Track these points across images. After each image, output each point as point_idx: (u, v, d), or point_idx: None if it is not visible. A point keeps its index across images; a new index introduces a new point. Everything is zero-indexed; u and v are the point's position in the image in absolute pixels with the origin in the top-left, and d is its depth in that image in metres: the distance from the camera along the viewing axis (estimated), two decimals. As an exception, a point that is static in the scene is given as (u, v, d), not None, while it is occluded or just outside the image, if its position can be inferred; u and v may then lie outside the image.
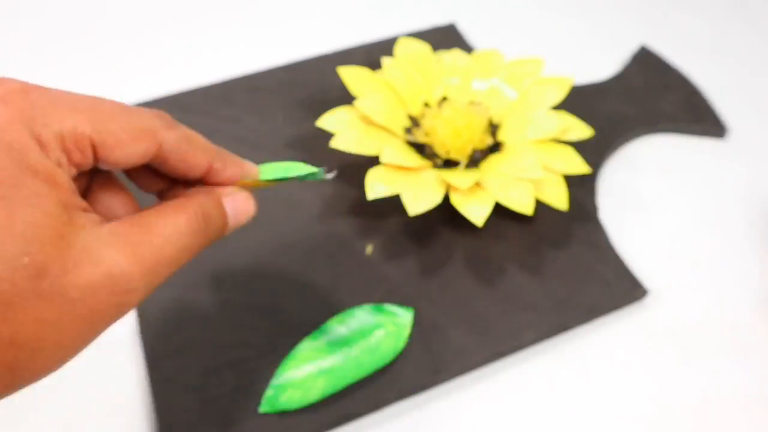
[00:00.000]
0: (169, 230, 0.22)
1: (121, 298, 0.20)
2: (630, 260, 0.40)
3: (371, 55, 0.49)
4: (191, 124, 0.44)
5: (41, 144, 0.20)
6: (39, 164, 0.19)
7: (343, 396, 0.33)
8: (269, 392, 0.32)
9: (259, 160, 0.43)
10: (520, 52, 0.48)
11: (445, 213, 0.40)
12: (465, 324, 0.36)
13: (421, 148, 0.38)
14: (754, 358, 0.36)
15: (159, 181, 0.25)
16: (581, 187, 0.42)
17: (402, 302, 0.36)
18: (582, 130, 0.40)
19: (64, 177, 0.20)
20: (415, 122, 0.40)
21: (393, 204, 0.37)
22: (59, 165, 0.20)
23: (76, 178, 0.23)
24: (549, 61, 0.45)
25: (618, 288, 0.37)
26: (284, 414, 0.32)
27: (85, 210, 0.20)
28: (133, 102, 0.46)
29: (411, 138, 0.39)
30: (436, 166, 0.38)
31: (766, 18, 0.56)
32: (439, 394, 0.34)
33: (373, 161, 0.42)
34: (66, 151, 0.20)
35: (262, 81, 0.47)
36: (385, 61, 0.41)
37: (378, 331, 0.34)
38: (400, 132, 0.39)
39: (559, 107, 0.40)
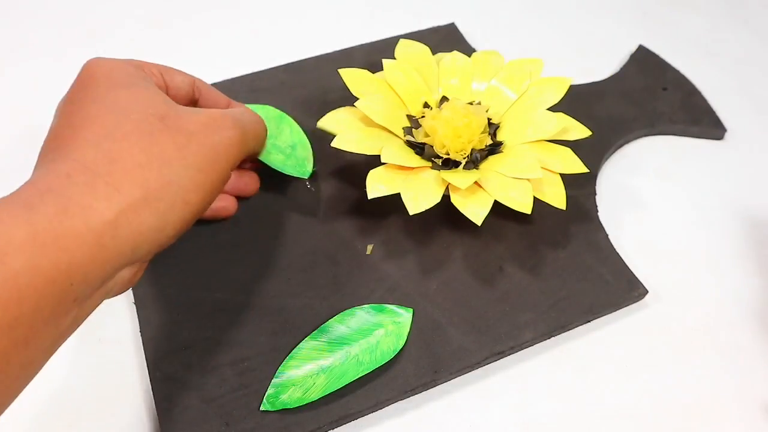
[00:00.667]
0: (242, 107, 0.36)
1: (221, 133, 0.30)
2: (629, 260, 0.40)
3: (371, 56, 0.49)
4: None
5: (144, 70, 0.32)
6: (142, 74, 0.32)
7: (343, 395, 0.33)
8: (270, 391, 0.33)
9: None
10: (520, 52, 0.49)
11: (445, 213, 0.40)
12: (464, 323, 0.36)
13: (420, 149, 0.39)
14: (753, 358, 0.36)
15: None
16: (580, 188, 0.42)
17: (402, 301, 0.37)
18: (581, 131, 0.40)
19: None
20: (415, 123, 0.40)
21: (393, 204, 0.37)
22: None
23: None
24: (548, 62, 0.46)
25: (617, 288, 0.38)
26: (285, 413, 0.32)
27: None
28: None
29: (411, 138, 0.39)
30: (435, 166, 0.38)
31: (765, 19, 0.57)
32: (438, 393, 0.35)
33: (373, 161, 0.42)
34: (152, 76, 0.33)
35: (262, 81, 0.48)
36: (386, 62, 0.41)
37: (378, 330, 0.35)
38: (400, 132, 0.39)
39: (557, 108, 0.40)
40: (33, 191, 0.24)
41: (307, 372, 0.33)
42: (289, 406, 0.32)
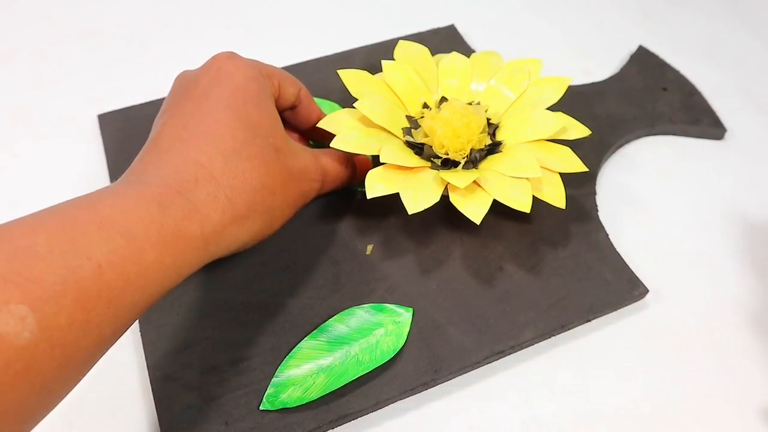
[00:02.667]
0: (332, 155, 0.37)
1: (310, 184, 0.35)
2: (629, 260, 0.40)
3: (371, 58, 0.50)
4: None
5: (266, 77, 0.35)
6: (270, 91, 0.35)
7: (342, 394, 0.33)
8: (270, 390, 0.33)
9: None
10: (519, 53, 0.49)
11: (445, 212, 0.40)
12: (464, 323, 0.36)
13: (420, 149, 0.39)
14: (753, 358, 0.36)
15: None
16: (580, 187, 0.42)
17: (402, 301, 0.37)
18: (580, 130, 0.40)
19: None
20: (414, 123, 0.40)
21: (392, 204, 0.37)
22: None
23: None
24: (547, 62, 0.46)
25: (617, 287, 0.38)
26: (285, 412, 0.32)
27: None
28: (134, 103, 0.46)
29: (410, 138, 0.39)
30: (434, 166, 0.38)
31: (765, 19, 0.57)
32: (438, 393, 0.35)
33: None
34: (275, 90, 0.36)
35: (262, 83, 0.48)
36: (385, 63, 0.41)
37: (378, 329, 0.35)
38: (400, 132, 0.39)
39: (557, 107, 0.40)
40: (165, 191, 0.27)
41: (306, 371, 0.33)
42: (288, 406, 0.32)
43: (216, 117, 0.31)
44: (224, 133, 0.30)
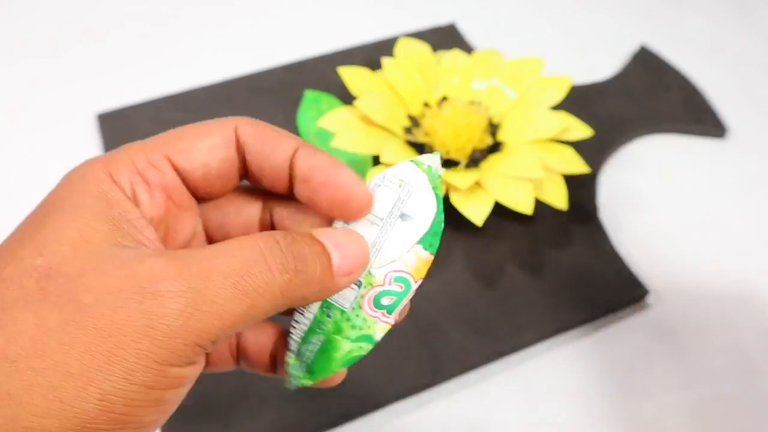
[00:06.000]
0: (228, 254, 0.17)
1: (147, 305, 0.16)
2: (630, 260, 0.40)
3: (371, 55, 0.49)
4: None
5: (113, 177, 0.19)
6: (100, 188, 0.18)
7: (342, 395, 0.33)
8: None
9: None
10: (520, 52, 0.48)
11: (445, 213, 0.40)
12: (465, 324, 0.36)
13: (421, 148, 0.39)
14: (753, 358, 0.36)
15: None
16: (581, 187, 0.42)
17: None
18: (582, 130, 0.40)
19: (126, 203, 0.18)
20: (415, 122, 0.40)
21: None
22: (134, 194, 0.19)
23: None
24: (549, 61, 0.45)
25: (618, 288, 0.37)
26: (284, 413, 0.32)
27: (141, 242, 0.18)
28: (133, 102, 0.46)
29: (411, 138, 0.39)
30: (436, 166, 0.38)
31: (766, 18, 0.56)
32: (438, 393, 0.34)
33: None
34: (140, 173, 0.19)
35: (262, 81, 0.47)
36: (385, 61, 0.41)
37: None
38: (400, 132, 0.39)
39: (558, 107, 0.40)
40: None
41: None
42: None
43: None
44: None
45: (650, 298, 0.38)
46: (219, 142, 0.20)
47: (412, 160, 0.21)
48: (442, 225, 0.21)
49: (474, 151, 0.38)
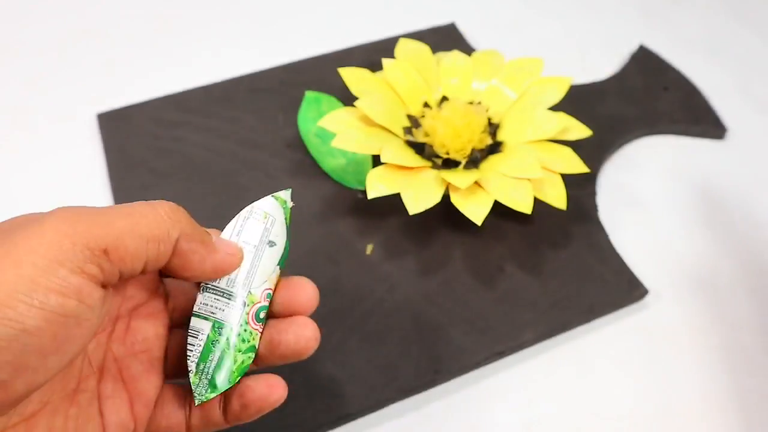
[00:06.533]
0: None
1: (46, 224, 0.20)
2: (629, 260, 0.40)
3: (371, 56, 0.49)
4: (191, 124, 0.44)
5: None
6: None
7: (342, 395, 0.33)
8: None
9: (259, 160, 0.43)
10: (520, 52, 0.49)
11: (445, 213, 0.40)
12: (465, 323, 0.36)
13: (421, 148, 0.39)
14: (753, 357, 0.36)
15: None
16: (581, 188, 0.42)
17: (402, 302, 0.36)
18: (581, 131, 0.40)
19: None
20: (415, 122, 0.40)
21: (393, 204, 0.37)
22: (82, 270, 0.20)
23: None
24: (548, 61, 0.45)
25: (617, 288, 0.38)
26: (284, 413, 0.32)
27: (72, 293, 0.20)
28: (133, 102, 0.46)
29: (411, 138, 0.39)
30: (435, 166, 0.38)
31: (766, 18, 0.56)
32: (438, 393, 0.35)
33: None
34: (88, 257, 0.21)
35: (262, 81, 0.47)
36: (385, 61, 0.41)
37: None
38: (400, 132, 0.39)
39: (558, 107, 0.40)
40: None
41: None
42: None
43: None
44: None
45: (649, 298, 0.38)
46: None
47: (272, 196, 0.26)
48: (289, 247, 0.26)
49: (474, 151, 0.38)
